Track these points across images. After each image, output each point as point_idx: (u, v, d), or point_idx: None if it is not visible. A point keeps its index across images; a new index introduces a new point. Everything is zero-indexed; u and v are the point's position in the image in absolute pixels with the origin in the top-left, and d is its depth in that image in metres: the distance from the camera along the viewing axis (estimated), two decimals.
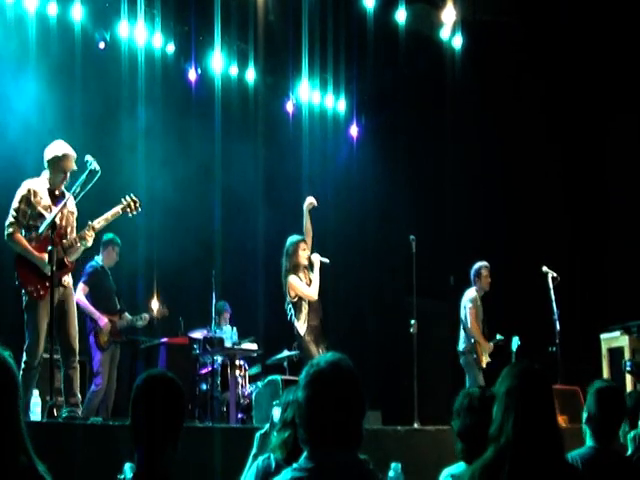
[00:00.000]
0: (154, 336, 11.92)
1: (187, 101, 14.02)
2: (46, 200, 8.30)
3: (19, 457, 2.89)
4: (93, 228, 8.51)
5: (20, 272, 8.19)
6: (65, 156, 8.46)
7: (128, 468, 3.91)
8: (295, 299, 10.29)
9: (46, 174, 8.47)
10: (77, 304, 9.10)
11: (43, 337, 8.12)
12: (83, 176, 8.32)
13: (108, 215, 8.65)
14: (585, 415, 4.82)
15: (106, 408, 10.28)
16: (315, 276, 10.40)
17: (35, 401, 8.51)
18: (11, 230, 8.22)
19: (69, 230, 8.48)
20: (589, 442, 4.75)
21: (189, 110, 13.88)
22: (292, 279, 10.27)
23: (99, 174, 8.34)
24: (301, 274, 10.39)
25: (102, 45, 13.01)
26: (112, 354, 10.47)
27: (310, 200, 10.53)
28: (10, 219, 8.27)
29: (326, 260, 10.62)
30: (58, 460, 6.23)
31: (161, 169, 12.96)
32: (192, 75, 14.16)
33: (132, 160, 12.65)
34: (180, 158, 13.08)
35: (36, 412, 8.42)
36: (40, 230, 8.16)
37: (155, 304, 11.45)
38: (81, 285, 10.30)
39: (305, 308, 10.27)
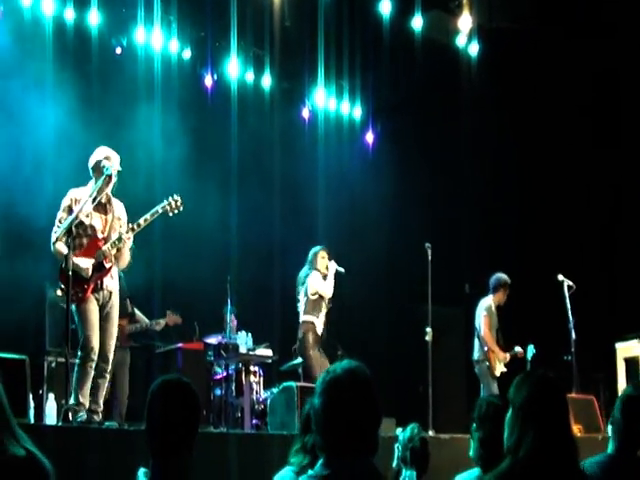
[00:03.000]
0: (169, 341, 11.94)
1: (203, 107, 14.05)
2: (88, 207, 8.30)
3: (12, 448, 2.86)
4: (132, 229, 8.50)
5: (61, 278, 8.21)
6: (107, 159, 8.47)
7: (142, 474, 3.91)
8: (315, 296, 11.00)
9: (91, 182, 8.49)
10: None
11: (95, 333, 8.11)
12: (100, 181, 8.34)
13: (147, 215, 8.59)
14: (611, 419, 4.77)
15: (119, 413, 10.29)
16: (329, 281, 11.02)
17: (50, 404, 8.53)
18: (53, 239, 8.28)
19: (114, 236, 8.47)
20: (610, 449, 4.68)
21: (205, 116, 13.91)
22: (314, 275, 11.05)
23: (116, 179, 8.37)
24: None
25: (119, 51, 13.07)
26: (120, 359, 10.44)
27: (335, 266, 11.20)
28: (54, 228, 8.36)
29: (342, 269, 11.13)
30: (72, 464, 6.27)
31: (177, 175, 12.97)
32: (208, 81, 14.20)
33: (148, 165, 12.67)
34: (196, 164, 13.10)
35: (51, 415, 8.44)
36: (57, 235, 8.18)
37: (168, 312, 11.45)
38: None
39: (324, 308, 11.08)
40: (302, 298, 11.12)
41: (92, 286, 8.18)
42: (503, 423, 3.81)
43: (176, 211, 8.84)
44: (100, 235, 8.37)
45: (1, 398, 2.93)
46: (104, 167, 8.35)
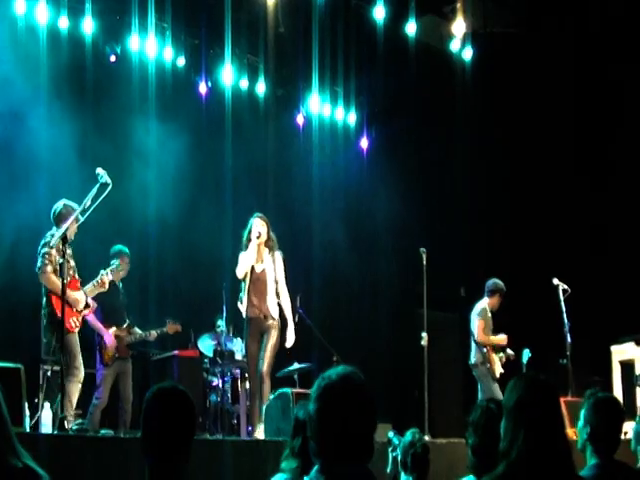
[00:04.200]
0: (165, 349, 11.94)
1: (198, 114, 14.06)
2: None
3: (11, 460, 2.90)
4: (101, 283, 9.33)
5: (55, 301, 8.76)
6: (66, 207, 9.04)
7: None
8: (240, 279, 9.89)
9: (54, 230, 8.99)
10: (85, 319, 9.31)
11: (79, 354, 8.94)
12: (94, 189, 8.35)
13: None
14: (587, 430, 4.73)
15: (124, 423, 10.28)
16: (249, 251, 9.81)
17: (46, 413, 8.53)
18: (42, 264, 8.84)
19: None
20: (592, 460, 4.66)
21: (200, 123, 13.92)
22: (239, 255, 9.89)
23: (110, 187, 8.37)
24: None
25: (113, 58, 13.08)
26: (120, 369, 10.43)
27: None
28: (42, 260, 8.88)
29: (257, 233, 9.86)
30: (68, 472, 6.27)
31: (172, 182, 12.99)
32: (203, 88, 14.21)
33: (143, 173, 12.69)
34: (191, 171, 13.11)
35: (47, 424, 8.44)
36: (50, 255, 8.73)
37: (168, 321, 11.43)
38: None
39: (244, 288, 9.79)
40: None
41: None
42: (496, 430, 3.81)
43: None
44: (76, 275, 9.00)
45: (3, 411, 2.95)
46: (98, 175, 8.38)
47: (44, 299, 8.85)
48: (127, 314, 10.77)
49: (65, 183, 11.11)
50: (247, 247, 9.77)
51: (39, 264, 8.71)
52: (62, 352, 8.22)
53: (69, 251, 8.65)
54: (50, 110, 11.83)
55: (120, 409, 10.39)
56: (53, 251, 8.68)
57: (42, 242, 8.81)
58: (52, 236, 8.72)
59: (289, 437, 4.94)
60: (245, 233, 9.87)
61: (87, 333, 10.01)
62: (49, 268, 8.67)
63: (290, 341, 9.84)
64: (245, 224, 9.95)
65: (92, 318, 10.19)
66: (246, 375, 11.48)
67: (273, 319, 9.72)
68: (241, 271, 9.75)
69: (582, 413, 4.80)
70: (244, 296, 9.73)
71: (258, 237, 9.72)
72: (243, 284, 9.78)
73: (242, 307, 9.78)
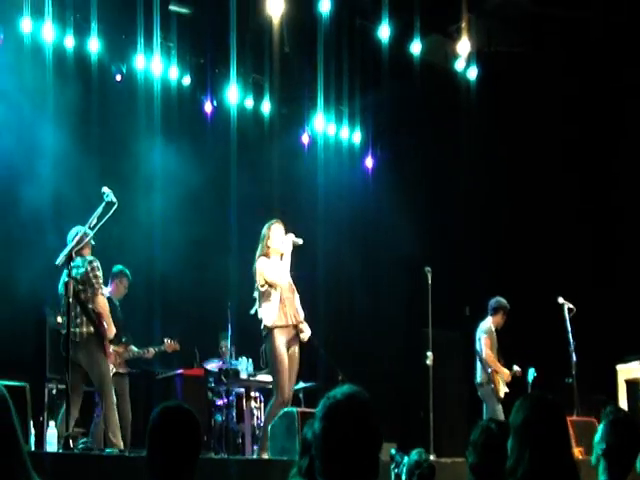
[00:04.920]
0: (170, 367, 11.93)
1: (203, 133, 14.09)
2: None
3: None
4: None
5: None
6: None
7: None
8: (264, 287, 9.38)
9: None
10: None
11: None
12: (100, 208, 8.38)
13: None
14: (603, 447, 4.71)
15: (124, 440, 10.22)
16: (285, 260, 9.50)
17: (51, 432, 8.52)
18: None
19: None
20: (603, 477, 4.64)
21: (205, 142, 13.95)
22: (260, 261, 9.45)
23: (116, 206, 8.39)
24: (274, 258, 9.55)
25: (119, 77, 13.12)
26: (117, 386, 10.36)
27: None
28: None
29: (299, 241, 9.68)
30: None
31: (177, 201, 13.00)
32: (208, 107, 14.26)
33: (148, 192, 12.71)
34: (196, 190, 13.12)
35: (52, 443, 8.43)
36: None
37: (166, 340, 11.39)
38: None
39: (275, 296, 9.32)
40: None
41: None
42: (495, 449, 3.81)
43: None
44: None
45: (17, 436, 2.96)
46: (104, 193, 8.41)
47: (82, 319, 9.10)
48: (125, 332, 10.70)
49: (70, 201, 11.14)
50: (267, 253, 9.43)
51: (94, 285, 9.06)
52: (66, 365, 8.17)
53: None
54: (56, 129, 11.86)
55: (121, 428, 10.33)
56: (100, 273, 9.09)
57: (84, 265, 8.99)
58: (88, 262, 9.03)
59: (294, 456, 4.93)
60: (263, 239, 9.53)
61: None
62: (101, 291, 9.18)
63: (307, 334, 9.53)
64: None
65: None
66: (251, 394, 11.47)
67: (301, 322, 9.41)
68: (284, 279, 9.37)
69: (600, 428, 4.76)
70: (270, 304, 9.27)
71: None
72: (260, 293, 9.35)
73: (267, 315, 9.28)
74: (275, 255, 9.50)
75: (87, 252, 9.13)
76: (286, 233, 9.60)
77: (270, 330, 9.21)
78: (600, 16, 13.91)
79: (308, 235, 14.34)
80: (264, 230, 9.58)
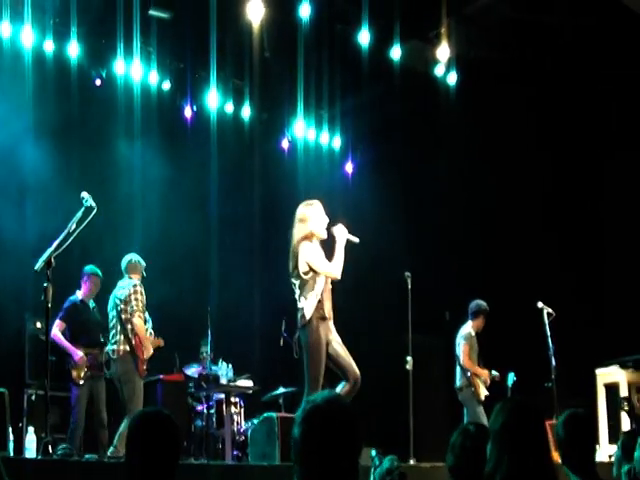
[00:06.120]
0: (150, 373, 11.88)
1: (183, 138, 14.07)
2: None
3: None
4: None
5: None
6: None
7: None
8: (308, 274, 8.65)
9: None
10: (53, 340, 9.55)
11: None
12: (79, 213, 8.35)
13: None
14: (561, 450, 4.69)
15: (102, 446, 10.18)
16: (338, 254, 8.80)
17: (30, 438, 8.50)
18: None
19: None
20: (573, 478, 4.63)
21: (185, 147, 13.93)
22: (305, 246, 8.66)
23: (95, 211, 8.37)
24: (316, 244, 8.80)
25: (98, 82, 13.08)
26: (93, 389, 10.30)
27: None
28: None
29: (356, 239, 9.08)
30: None
31: (156, 205, 12.98)
32: (188, 112, 14.23)
33: (127, 196, 12.68)
34: (176, 194, 13.10)
35: (31, 449, 8.40)
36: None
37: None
38: (57, 322, 10.12)
39: (319, 286, 8.69)
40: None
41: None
42: (472, 450, 3.81)
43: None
44: None
45: None
46: (83, 198, 8.40)
47: (120, 337, 10.02)
48: (102, 333, 10.61)
49: (50, 206, 11.10)
50: (309, 236, 8.67)
51: (133, 307, 10.02)
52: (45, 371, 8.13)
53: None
54: (35, 133, 11.82)
55: (97, 432, 10.25)
56: (141, 297, 10.12)
57: (128, 287, 10.08)
58: (132, 285, 10.12)
59: (276, 462, 4.93)
60: (303, 220, 8.75)
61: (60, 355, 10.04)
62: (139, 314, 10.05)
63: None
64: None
65: (59, 338, 10.09)
66: (231, 399, 11.46)
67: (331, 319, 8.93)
68: (338, 270, 8.78)
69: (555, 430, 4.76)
70: (312, 294, 8.63)
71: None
72: (302, 282, 8.64)
73: (308, 306, 8.66)
74: (316, 240, 8.80)
75: (136, 276, 10.23)
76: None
77: (309, 321, 8.65)
78: (577, 22, 13.96)
79: (287, 240, 14.37)
80: (303, 209, 8.80)
